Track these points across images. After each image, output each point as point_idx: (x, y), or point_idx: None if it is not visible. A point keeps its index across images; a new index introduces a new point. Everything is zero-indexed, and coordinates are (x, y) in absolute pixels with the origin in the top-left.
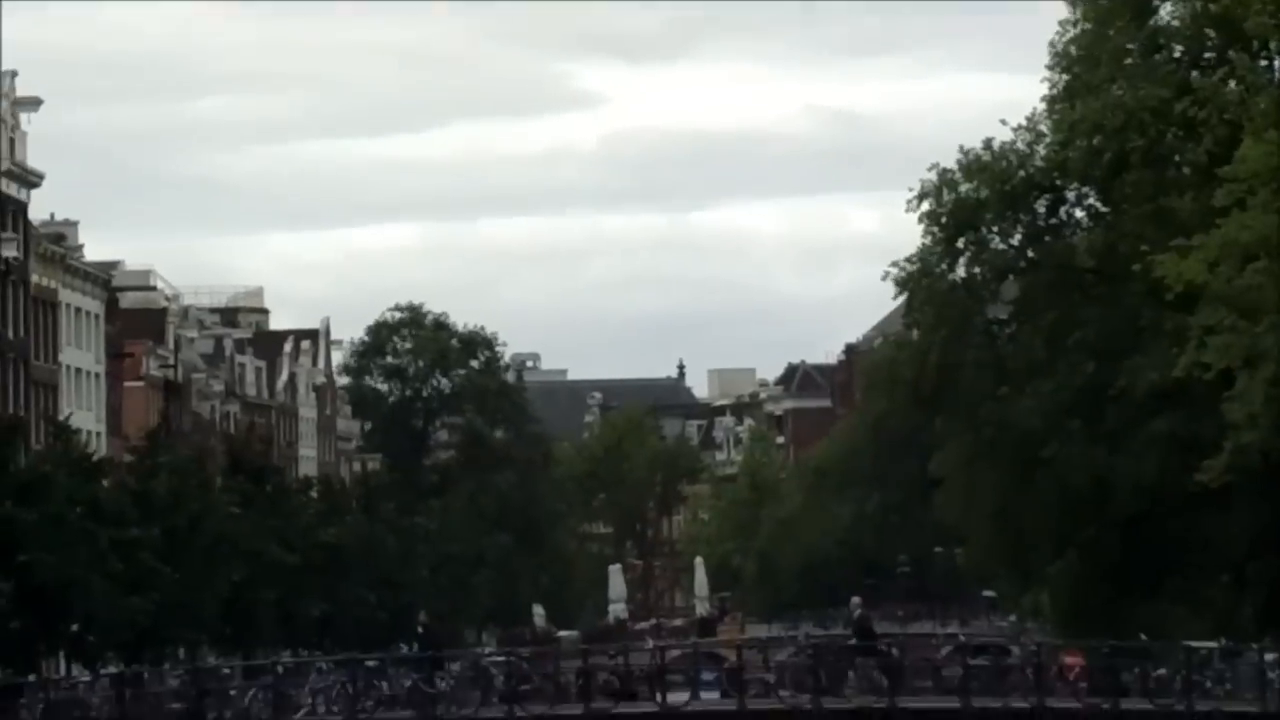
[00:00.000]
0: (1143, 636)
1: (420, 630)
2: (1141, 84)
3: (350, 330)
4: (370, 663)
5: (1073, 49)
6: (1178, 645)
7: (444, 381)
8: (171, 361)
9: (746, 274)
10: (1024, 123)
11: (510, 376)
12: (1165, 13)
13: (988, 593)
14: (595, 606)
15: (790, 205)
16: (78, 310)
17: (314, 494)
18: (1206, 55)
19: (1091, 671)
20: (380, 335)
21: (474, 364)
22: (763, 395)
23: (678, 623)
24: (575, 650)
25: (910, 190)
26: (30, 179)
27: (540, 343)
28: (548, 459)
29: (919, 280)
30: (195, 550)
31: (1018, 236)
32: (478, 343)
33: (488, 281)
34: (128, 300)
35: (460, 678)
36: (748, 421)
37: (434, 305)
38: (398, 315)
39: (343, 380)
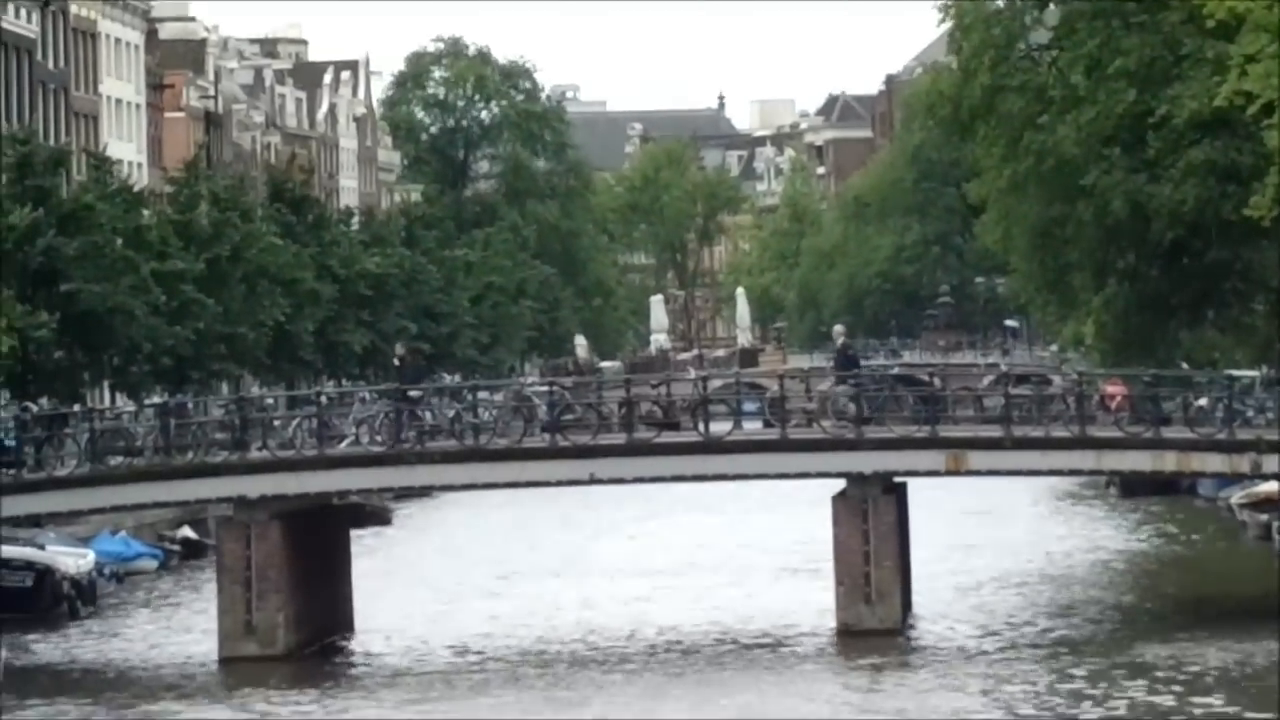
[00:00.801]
0: (1184, 365)
1: (397, 364)
2: None
3: (390, 65)
4: (413, 393)
5: None
6: (1219, 374)
7: (484, 112)
8: (211, 92)
9: (786, 3)
10: None
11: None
12: None
13: (1010, 322)
14: (637, 337)
15: None
16: (117, 41)
17: (355, 225)
18: None
19: (1133, 401)
20: (420, 64)
21: (514, 94)
22: (803, 125)
23: (720, 353)
24: (618, 380)
25: None
26: None
27: (579, 75)
28: (589, 186)
29: (961, 7)
30: (236, 281)
31: None
32: (517, 73)
33: (526, 11)
34: (167, 31)
35: (503, 407)
36: (788, 152)
37: (474, 39)
38: (438, 46)
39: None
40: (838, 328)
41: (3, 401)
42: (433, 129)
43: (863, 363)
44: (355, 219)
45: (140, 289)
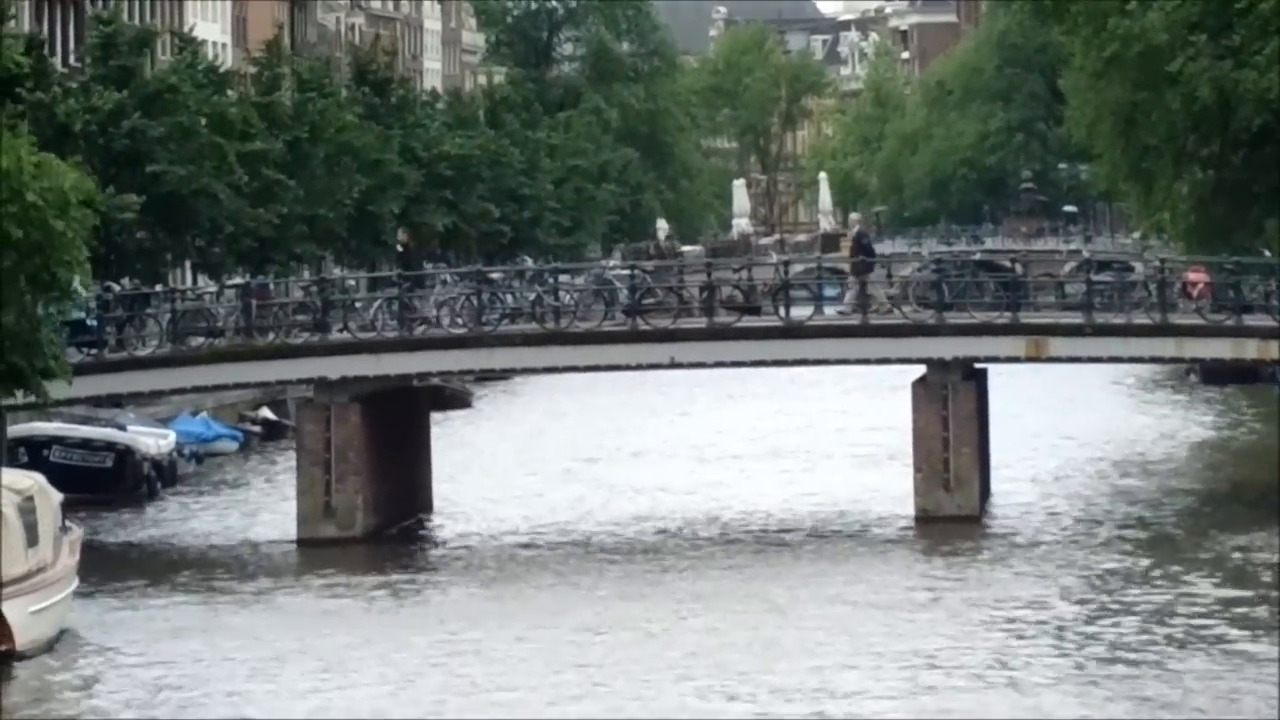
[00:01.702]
0: (1266, 253)
1: (400, 250)
2: None
3: None
4: (494, 275)
5: None
6: None
7: None
8: None
9: None
10: None
11: None
12: None
13: (1069, 208)
14: (719, 221)
15: None
16: None
17: (439, 106)
18: None
19: (1215, 288)
20: None
21: None
22: (888, 10)
23: (801, 237)
24: (699, 264)
25: None
26: None
27: None
28: (673, 69)
29: None
30: (318, 162)
31: None
32: None
33: None
34: None
35: (584, 291)
36: (873, 36)
37: None
38: None
39: None
40: (854, 215)
41: (86, 281)
42: (516, 11)
43: (878, 251)
44: (439, 101)
45: (223, 170)
